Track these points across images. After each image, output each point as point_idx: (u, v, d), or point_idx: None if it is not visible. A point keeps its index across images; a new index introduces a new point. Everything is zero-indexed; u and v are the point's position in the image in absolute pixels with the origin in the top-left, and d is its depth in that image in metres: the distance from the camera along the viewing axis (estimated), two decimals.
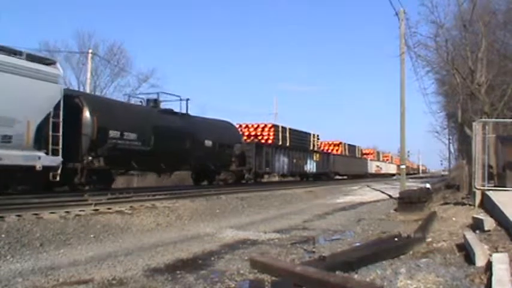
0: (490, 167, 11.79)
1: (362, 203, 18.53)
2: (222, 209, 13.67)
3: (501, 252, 5.42)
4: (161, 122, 17.49)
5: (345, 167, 43.85)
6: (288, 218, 12.93)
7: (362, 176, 50.28)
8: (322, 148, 41.19)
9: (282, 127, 29.82)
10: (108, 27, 75.28)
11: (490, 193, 9.73)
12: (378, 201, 19.56)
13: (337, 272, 5.00)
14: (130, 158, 15.98)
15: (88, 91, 31.70)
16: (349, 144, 48.43)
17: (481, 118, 13.72)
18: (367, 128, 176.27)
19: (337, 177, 43.30)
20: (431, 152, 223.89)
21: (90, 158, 14.26)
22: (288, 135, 29.85)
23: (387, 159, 76.06)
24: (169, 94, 20.07)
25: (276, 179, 32.66)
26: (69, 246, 7.72)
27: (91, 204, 11.20)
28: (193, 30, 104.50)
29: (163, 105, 19.19)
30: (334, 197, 21.94)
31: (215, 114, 39.95)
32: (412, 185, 26.98)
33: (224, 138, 21.74)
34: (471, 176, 11.74)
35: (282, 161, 28.38)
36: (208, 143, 20.16)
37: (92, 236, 8.55)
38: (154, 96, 19.28)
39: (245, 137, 26.63)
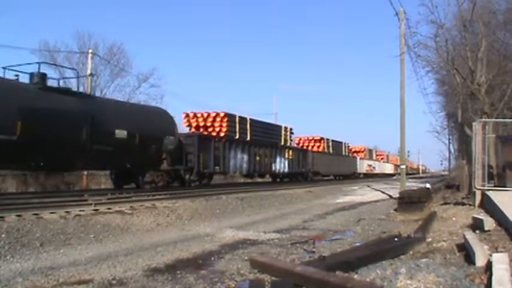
0: (490, 167, 11.79)
1: (362, 203, 18.53)
2: (222, 209, 13.68)
3: (501, 252, 5.42)
4: (39, 103, 13.00)
5: (327, 166, 38.48)
6: (288, 218, 12.93)
7: (349, 177, 45.38)
8: (302, 145, 37.14)
9: (240, 117, 24.26)
10: (108, 27, 75.29)
11: (490, 193, 9.73)
12: (377, 201, 19.56)
13: (337, 272, 5.00)
14: None
15: (88, 91, 31.73)
16: (333, 141, 42.50)
17: (481, 118, 13.72)
18: (367, 128, 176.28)
19: (319, 177, 37.76)
20: (431, 152, 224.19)
21: None
22: (248, 127, 24.62)
23: (382, 158, 70.52)
24: (59, 66, 16.72)
25: (242, 180, 28.53)
26: (69, 246, 7.72)
27: (91, 204, 11.21)
28: (193, 30, 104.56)
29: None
30: (334, 197, 21.93)
31: None
32: (412, 185, 26.99)
33: (149, 129, 16.96)
34: (471, 176, 11.74)
35: (240, 159, 23.38)
36: (120, 133, 15.55)
37: (92, 236, 8.55)
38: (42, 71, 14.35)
39: (193, 129, 22.52)
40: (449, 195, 16.45)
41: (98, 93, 33.52)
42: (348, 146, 48.60)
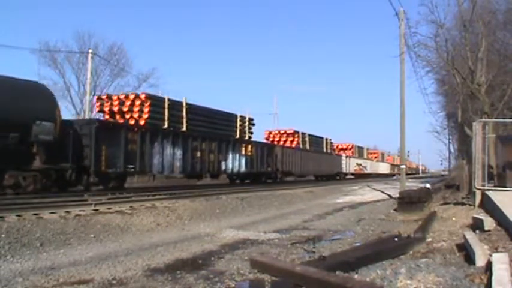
0: (490, 167, 11.79)
1: (362, 203, 18.53)
2: (222, 209, 13.68)
3: (501, 252, 5.42)
4: None
5: (302, 164, 32.64)
6: (288, 218, 12.93)
7: (332, 177, 40.08)
8: (272, 139, 32.98)
9: (172, 101, 19.28)
10: (108, 27, 75.35)
11: (490, 193, 9.72)
12: (377, 201, 19.55)
13: (337, 272, 5.00)
14: None
15: (88, 91, 31.76)
16: (311, 135, 36.74)
17: (481, 118, 13.72)
18: (367, 128, 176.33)
19: (290, 178, 32.74)
20: (431, 152, 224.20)
21: None
22: (184, 114, 19.75)
23: (375, 157, 64.34)
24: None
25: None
26: (69, 246, 7.72)
27: (91, 204, 11.22)
28: (194, 30, 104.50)
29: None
30: (334, 197, 21.93)
31: None
32: (412, 185, 26.99)
33: (5, 110, 12.20)
34: (471, 176, 11.74)
35: (170, 155, 18.43)
36: None
37: (92, 236, 8.56)
38: None
39: (106, 116, 18.48)
40: (449, 195, 16.45)
41: (98, 93, 33.49)
42: (331, 142, 42.68)
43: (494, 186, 10.80)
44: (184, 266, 6.46)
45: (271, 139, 33.25)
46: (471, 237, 6.28)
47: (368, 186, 31.75)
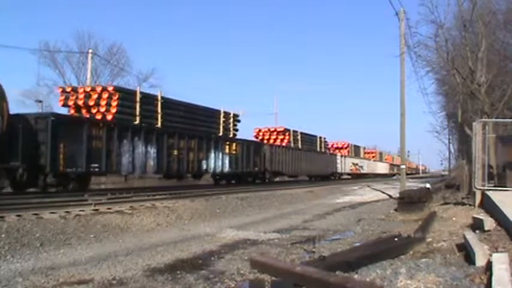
0: (490, 167, 11.81)
1: (362, 203, 18.53)
2: (222, 209, 13.68)
3: (501, 252, 5.42)
4: None
5: (294, 164, 31.37)
6: (288, 218, 12.93)
7: (327, 178, 38.79)
8: (261, 137, 31.58)
9: (144, 95, 18.15)
10: (108, 27, 75.36)
11: (490, 193, 9.73)
12: (377, 201, 19.55)
13: (337, 272, 5.00)
14: None
15: None
16: (303, 133, 35.40)
17: (481, 118, 13.73)
18: (367, 128, 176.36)
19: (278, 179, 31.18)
20: (431, 152, 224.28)
21: None
22: (159, 109, 18.43)
23: (373, 157, 62.26)
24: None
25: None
26: (69, 246, 7.72)
27: (91, 204, 11.23)
28: (193, 30, 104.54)
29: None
30: (334, 197, 21.94)
31: None
32: (412, 185, 27.00)
33: None
34: (471, 176, 11.75)
35: (142, 153, 16.87)
36: None
37: (92, 236, 8.56)
38: None
39: (72, 110, 17.07)
40: (449, 195, 16.44)
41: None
42: (325, 141, 41.18)
43: (494, 186, 10.81)
44: (184, 266, 6.46)
45: (260, 137, 31.78)
46: (471, 237, 6.28)
47: (368, 186, 31.76)
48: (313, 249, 7.63)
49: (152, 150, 17.37)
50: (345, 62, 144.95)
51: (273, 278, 5.24)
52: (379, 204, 17.77)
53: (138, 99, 17.55)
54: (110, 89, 17.03)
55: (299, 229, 10.66)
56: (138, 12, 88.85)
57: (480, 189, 10.39)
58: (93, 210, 10.52)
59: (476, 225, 7.53)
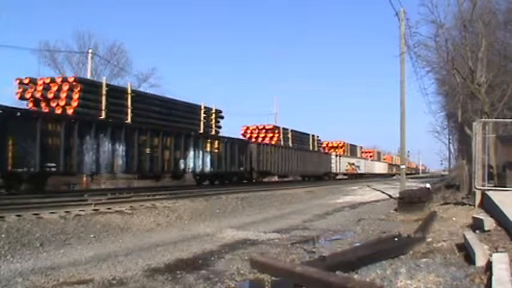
0: (490, 167, 11.81)
1: (362, 203, 18.51)
2: (222, 209, 13.68)
3: (501, 252, 5.42)
4: None
5: (284, 164, 29.89)
6: (288, 218, 12.92)
7: (320, 178, 37.23)
8: (249, 136, 30.14)
9: (111, 87, 16.90)
10: (108, 27, 75.36)
11: (490, 193, 9.73)
12: (377, 201, 19.54)
13: (337, 272, 5.00)
14: None
15: None
16: (294, 131, 33.62)
17: (481, 118, 13.73)
18: (367, 128, 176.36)
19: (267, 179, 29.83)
20: (431, 152, 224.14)
21: None
22: (128, 103, 17.06)
23: (370, 156, 60.37)
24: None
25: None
26: (69, 246, 7.72)
27: (91, 204, 11.24)
28: (193, 30, 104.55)
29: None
30: (334, 197, 21.92)
31: None
32: (412, 185, 26.99)
33: None
34: (471, 176, 11.76)
35: (109, 151, 15.45)
36: None
37: (92, 236, 8.56)
38: None
39: (30, 103, 15.78)
40: (449, 195, 16.43)
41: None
42: (319, 140, 39.40)
43: (494, 186, 10.82)
44: (184, 266, 6.46)
45: (248, 135, 30.22)
46: (471, 237, 6.28)
47: (368, 186, 31.76)
48: (313, 249, 7.63)
49: (121, 148, 15.93)
50: (345, 62, 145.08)
51: (273, 278, 5.24)
52: (379, 204, 17.76)
53: (104, 92, 16.06)
54: (71, 80, 15.55)
55: (299, 229, 10.65)
56: (138, 12, 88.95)
57: (480, 189, 10.39)
58: (93, 210, 10.53)
59: (476, 225, 7.53)
